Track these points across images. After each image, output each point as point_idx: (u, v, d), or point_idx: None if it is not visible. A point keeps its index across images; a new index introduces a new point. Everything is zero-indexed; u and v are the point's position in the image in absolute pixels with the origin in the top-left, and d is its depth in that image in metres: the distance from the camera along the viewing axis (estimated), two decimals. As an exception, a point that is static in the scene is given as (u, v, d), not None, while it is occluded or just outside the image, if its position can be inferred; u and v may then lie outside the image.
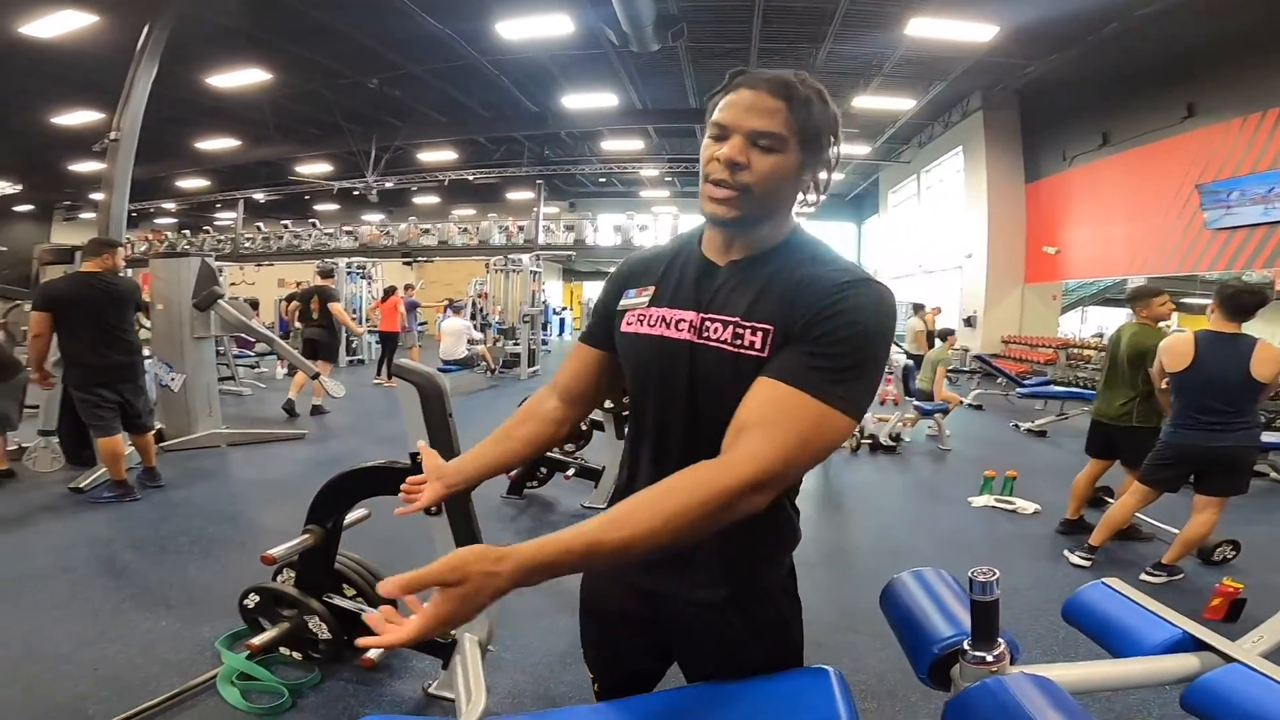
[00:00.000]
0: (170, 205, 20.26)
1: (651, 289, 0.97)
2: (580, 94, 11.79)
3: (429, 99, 12.90)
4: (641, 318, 0.96)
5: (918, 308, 8.60)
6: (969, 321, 12.90)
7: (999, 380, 9.29)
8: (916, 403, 6.31)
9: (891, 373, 7.04)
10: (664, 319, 0.93)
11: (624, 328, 0.98)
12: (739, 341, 0.86)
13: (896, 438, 6.12)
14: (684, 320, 0.91)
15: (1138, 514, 3.41)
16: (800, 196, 0.92)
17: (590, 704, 1.03)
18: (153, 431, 4.30)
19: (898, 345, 11.07)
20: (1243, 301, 2.93)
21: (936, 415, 6.26)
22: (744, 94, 0.85)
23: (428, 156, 15.46)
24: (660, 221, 16.72)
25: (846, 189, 21.04)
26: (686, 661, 1.06)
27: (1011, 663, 0.78)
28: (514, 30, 8.63)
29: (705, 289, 0.92)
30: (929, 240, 15.80)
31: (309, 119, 13.85)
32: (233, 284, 16.46)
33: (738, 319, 0.87)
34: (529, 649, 2.39)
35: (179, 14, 7.64)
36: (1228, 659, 0.90)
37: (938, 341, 7.67)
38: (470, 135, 14.81)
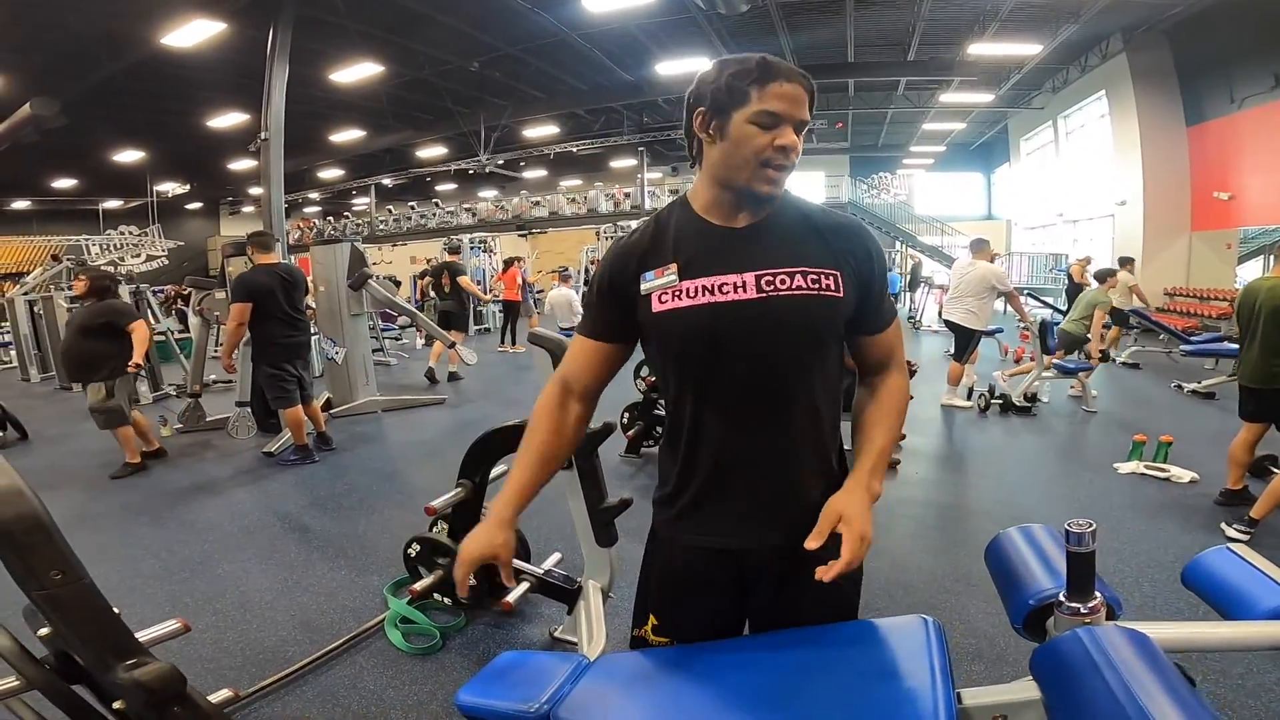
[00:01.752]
0: (314, 195, 22.41)
1: (673, 265, 1.01)
2: (673, 60, 11.58)
3: (527, 77, 13.24)
4: (677, 292, 1.00)
5: (1124, 261, 7.75)
6: (1124, 273, 11.67)
7: (1160, 336, 8.30)
8: (1058, 361, 5.77)
9: (1027, 328, 6.51)
10: (705, 287, 0.99)
11: (658, 308, 1.01)
12: (817, 285, 0.99)
13: (1032, 398, 5.66)
14: (730, 283, 0.98)
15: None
16: None
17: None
18: (322, 400, 4.92)
19: (1041, 300, 10.13)
20: None
21: (1080, 375, 5.75)
22: (788, 87, 0.95)
23: (532, 132, 15.89)
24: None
25: (971, 138, 19.20)
26: (768, 607, 1.09)
27: (1110, 618, 0.81)
28: (598, 3, 8.64)
29: (745, 250, 1.00)
30: (1072, 188, 14.41)
31: (422, 105, 14.70)
32: (374, 264, 18.00)
33: (803, 267, 0.99)
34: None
35: (295, 15, 8.26)
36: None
37: (1092, 283, 6.93)
38: (570, 109, 15.10)
